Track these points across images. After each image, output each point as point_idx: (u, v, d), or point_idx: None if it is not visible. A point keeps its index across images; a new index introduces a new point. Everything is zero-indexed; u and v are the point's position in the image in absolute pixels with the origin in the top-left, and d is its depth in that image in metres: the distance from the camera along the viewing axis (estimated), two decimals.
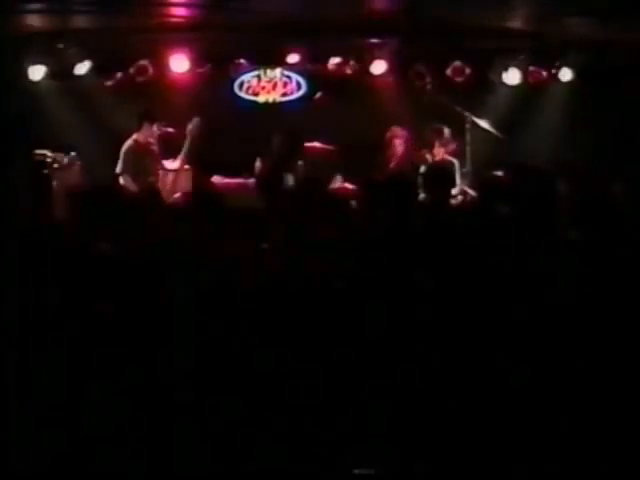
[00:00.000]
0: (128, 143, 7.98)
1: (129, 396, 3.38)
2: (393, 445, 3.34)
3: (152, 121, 8.02)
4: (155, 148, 8.11)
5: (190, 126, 8.05)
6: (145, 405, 3.37)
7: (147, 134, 8.04)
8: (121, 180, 7.84)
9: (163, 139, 8.20)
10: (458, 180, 8.12)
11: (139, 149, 7.99)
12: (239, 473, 3.32)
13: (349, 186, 7.77)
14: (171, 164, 8.21)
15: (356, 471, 3.31)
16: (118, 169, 7.90)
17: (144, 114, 8.05)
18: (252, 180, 8.26)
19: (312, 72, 9.37)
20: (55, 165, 8.18)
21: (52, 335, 3.41)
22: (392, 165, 8.17)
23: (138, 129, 8.02)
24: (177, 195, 7.42)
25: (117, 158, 8.00)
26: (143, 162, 7.97)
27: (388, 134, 8.32)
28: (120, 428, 3.32)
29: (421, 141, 8.34)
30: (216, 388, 3.41)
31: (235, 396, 3.39)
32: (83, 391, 3.37)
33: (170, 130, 8.24)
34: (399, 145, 8.22)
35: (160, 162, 8.14)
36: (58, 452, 3.28)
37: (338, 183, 8.16)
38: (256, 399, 3.38)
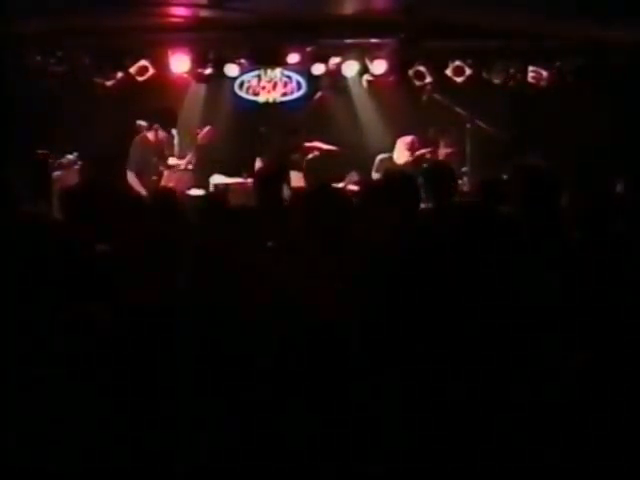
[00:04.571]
0: (137, 139, 7.99)
1: (129, 397, 3.38)
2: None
3: (164, 121, 8.03)
4: (163, 147, 8.12)
5: (202, 134, 8.09)
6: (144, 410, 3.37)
7: (157, 133, 8.03)
8: (128, 176, 7.87)
9: (163, 141, 8.21)
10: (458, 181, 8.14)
11: (147, 146, 7.98)
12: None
13: (350, 186, 7.78)
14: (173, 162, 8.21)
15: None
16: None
17: (159, 113, 8.06)
18: (252, 180, 8.27)
19: (312, 72, 9.38)
20: (55, 165, 8.19)
21: (50, 336, 3.40)
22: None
23: (149, 127, 8.02)
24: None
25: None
26: (149, 160, 7.97)
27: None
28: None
29: (424, 141, 8.34)
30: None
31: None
32: (82, 391, 3.36)
33: (172, 133, 8.25)
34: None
35: (165, 161, 8.14)
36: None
37: (352, 180, 8.17)
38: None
